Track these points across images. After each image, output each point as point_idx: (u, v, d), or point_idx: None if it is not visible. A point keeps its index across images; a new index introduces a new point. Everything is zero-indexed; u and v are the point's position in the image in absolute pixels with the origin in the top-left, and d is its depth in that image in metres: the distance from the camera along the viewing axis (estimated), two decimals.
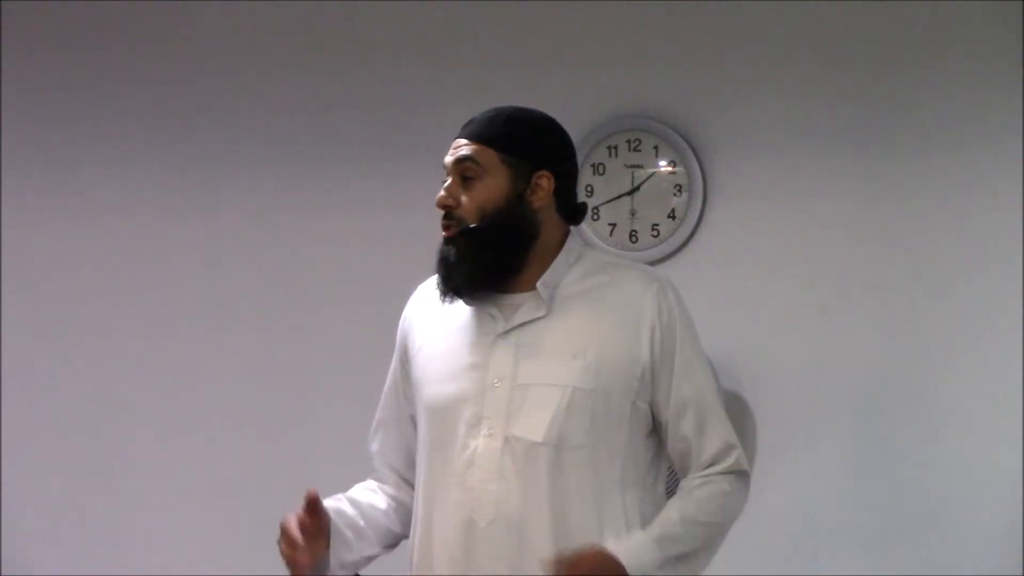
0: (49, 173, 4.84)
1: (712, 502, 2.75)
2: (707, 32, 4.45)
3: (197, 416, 4.70)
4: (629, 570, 2.63)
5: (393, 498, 2.94)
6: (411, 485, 2.91)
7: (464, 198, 2.78)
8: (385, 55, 4.65)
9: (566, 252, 2.83)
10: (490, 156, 2.78)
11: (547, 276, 2.79)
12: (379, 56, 4.65)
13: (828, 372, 4.32)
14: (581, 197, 2.90)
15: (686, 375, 2.77)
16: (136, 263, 4.78)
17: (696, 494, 2.75)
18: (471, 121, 2.82)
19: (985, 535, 4.17)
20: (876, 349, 4.30)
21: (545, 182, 2.79)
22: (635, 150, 4.49)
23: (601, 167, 4.51)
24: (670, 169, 4.47)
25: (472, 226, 2.76)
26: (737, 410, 4.32)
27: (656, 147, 4.48)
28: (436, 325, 2.85)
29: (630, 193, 4.50)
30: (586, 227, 4.44)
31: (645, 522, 2.73)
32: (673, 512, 2.73)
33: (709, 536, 2.75)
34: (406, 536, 2.90)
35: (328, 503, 2.81)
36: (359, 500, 2.90)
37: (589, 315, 2.77)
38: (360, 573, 2.92)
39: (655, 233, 4.48)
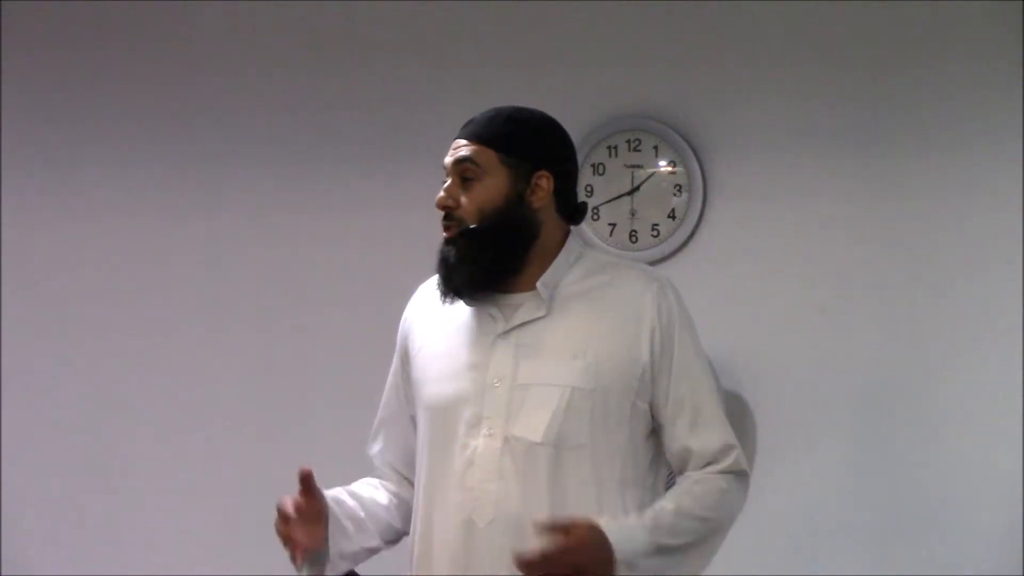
0: (49, 173, 4.84)
1: (709, 497, 2.74)
2: (707, 32, 4.45)
3: (197, 416, 4.70)
4: (617, 553, 2.61)
5: (395, 494, 2.94)
6: (411, 482, 2.91)
7: (464, 199, 2.78)
8: (385, 55, 4.65)
9: (566, 252, 2.83)
10: (489, 157, 2.78)
11: (547, 276, 2.79)
12: (379, 56, 4.65)
13: (828, 372, 4.31)
14: (581, 197, 2.90)
15: (685, 375, 2.77)
16: (136, 263, 4.79)
17: (693, 489, 2.74)
18: (471, 121, 2.82)
19: (985, 535, 4.17)
20: (876, 349, 4.30)
21: (545, 182, 2.79)
22: (635, 150, 4.49)
23: (601, 167, 4.51)
24: (670, 169, 4.47)
25: (472, 227, 2.77)
26: (737, 410, 4.32)
27: (656, 147, 4.48)
28: (436, 325, 2.85)
29: (630, 193, 4.50)
30: (586, 227, 4.44)
31: None
32: (668, 503, 2.72)
33: (703, 532, 2.73)
34: (407, 533, 2.91)
35: (327, 493, 2.81)
36: (359, 493, 2.91)
37: (589, 315, 2.77)
38: (359, 573, 2.92)
39: (655, 233, 4.48)
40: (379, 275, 4.53)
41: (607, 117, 4.49)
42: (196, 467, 4.66)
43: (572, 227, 2.87)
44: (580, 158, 4.10)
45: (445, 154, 2.83)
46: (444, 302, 2.81)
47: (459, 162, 2.79)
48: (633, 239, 4.49)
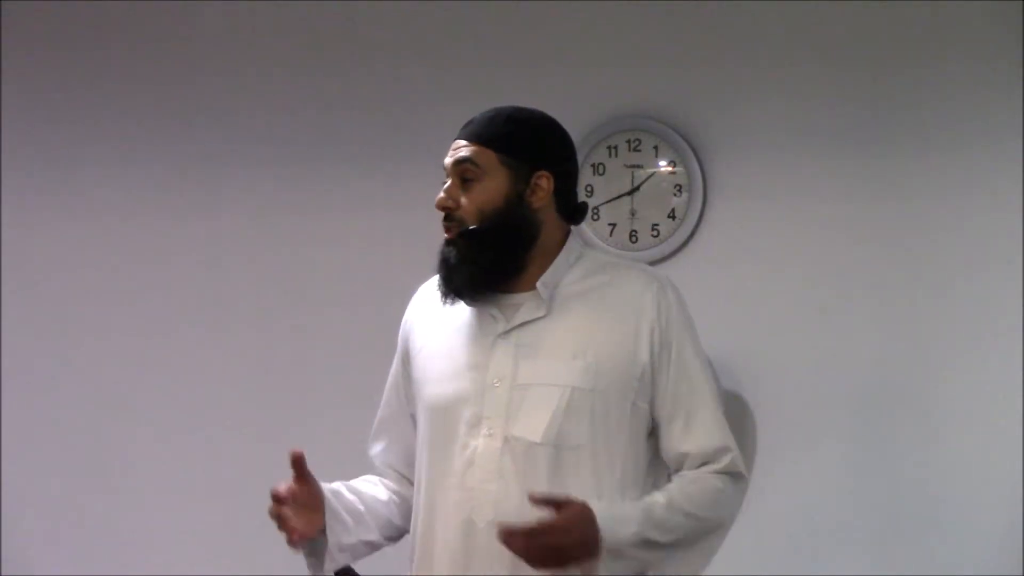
0: (49, 173, 4.84)
1: (702, 495, 2.73)
2: (707, 32, 4.45)
3: (197, 416, 4.70)
4: (603, 539, 2.61)
5: (394, 492, 2.94)
6: (411, 481, 2.91)
7: (463, 199, 2.79)
8: (385, 55, 4.65)
9: (566, 252, 2.83)
10: (489, 157, 2.78)
11: (547, 276, 2.80)
12: (379, 56, 4.65)
13: (828, 372, 4.31)
14: (581, 197, 2.90)
15: (682, 375, 2.77)
16: (136, 263, 4.78)
17: (687, 487, 2.73)
18: (470, 122, 2.83)
19: (985, 535, 4.17)
20: (876, 349, 4.30)
21: (544, 182, 2.79)
22: (635, 150, 4.49)
23: (601, 167, 4.51)
24: (670, 169, 4.47)
25: (472, 227, 2.77)
26: (737, 410, 4.32)
27: (656, 147, 4.48)
28: (437, 325, 2.85)
29: (630, 193, 4.50)
30: (586, 227, 4.44)
31: None
32: (660, 496, 2.71)
33: (693, 530, 2.72)
34: (406, 529, 2.91)
35: (326, 486, 2.82)
36: (358, 488, 2.91)
37: (589, 315, 2.77)
38: (359, 573, 2.92)
39: (655, 233, 4.48)
40: (379, 275, 4.53)
41: (607, 117, 4.49)
42: (196, 467, 4.66)
43: (572, 227, 2.87)
44: (580, 158, 4.09)
45: (445, 154, 2.83)
46: (445, 303, 2.81)
47: (459, 163, 2.79)
48: (633, 239, 4.49)
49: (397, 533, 2.94)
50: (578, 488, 2.68)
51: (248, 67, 4.73)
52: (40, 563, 4.73)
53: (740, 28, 4.41)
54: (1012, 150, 4.20)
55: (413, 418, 2.91)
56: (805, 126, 4.36)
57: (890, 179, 4.32)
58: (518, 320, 2.78)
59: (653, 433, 2.80)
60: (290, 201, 4.71)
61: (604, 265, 2.86)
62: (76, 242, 4.82)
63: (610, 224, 4.50)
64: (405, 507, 2.92)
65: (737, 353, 4.32)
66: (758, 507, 4.30)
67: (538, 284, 2.79)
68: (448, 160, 2.81)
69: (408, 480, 2.93)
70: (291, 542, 2.76)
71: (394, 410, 2.96)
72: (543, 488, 2.68)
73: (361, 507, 2.87)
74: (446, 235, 2.80)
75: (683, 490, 2.72)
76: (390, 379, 2.98)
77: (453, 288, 2.79)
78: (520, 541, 2.57)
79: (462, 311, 2.82)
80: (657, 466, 2.82)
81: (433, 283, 2.86)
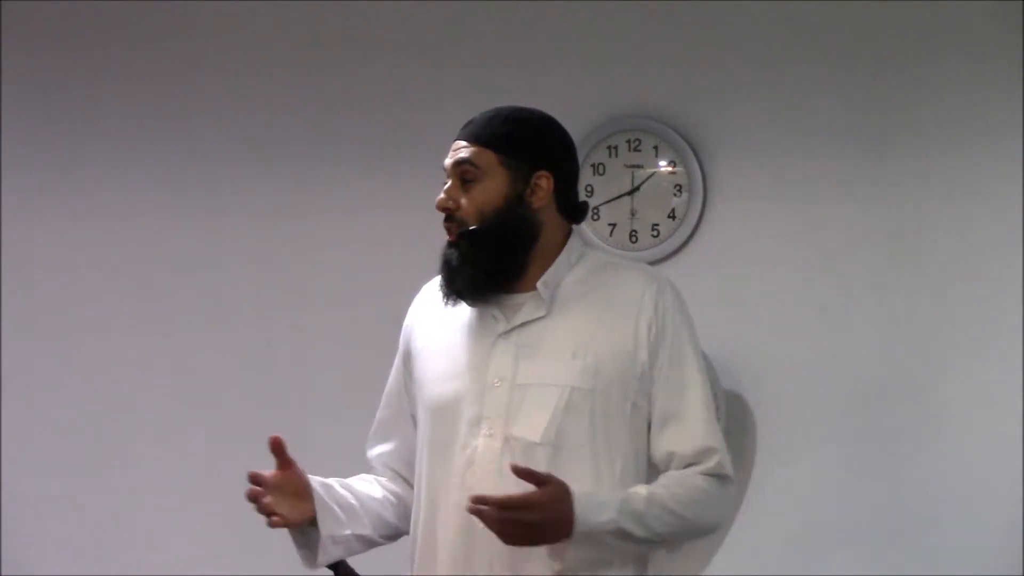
0: (49, 173, 4.84)
1: (685, 494, 2.71)
2: (707, 32, 4.45)
3: (197, 416, 4.70)
4: (577, 524, 2.60)
5: (390, 491, 2.94)
6: (408, 483, 2.92)
7: (464, 200, 2.79)
8: (385, 55, 4.65)
9: (567, 252, 2.83)
10: (488, 158, 2.78)
11: (548, 276, 2.80)
12: (379, 56, 4.65)
13: (828, 372, 4.31)
14: (581, 197, 2.90)
15: (675, 375, 2.76)
16: (136, 263, 4.78)
17: (670, 485, 2.72)
18: (470, 122, 2.83)
19: (985, 535, 4.17)
20: (876, 349, 4.30)
21: (544, 182, 2.79)
22: (635, 150, 4.49)
23: (601, 167, 4.51)
24: (670, 169, 4.47)
25: (472, 228, 2.77)
26: (737, 410, 4.32)
27: (656, 147, 4.48)
28: (439, 325, 2.86)
29: (630, 193, 4.50)
30: (586, 227, 4.44)
31: None
32: (642, 489, 2.70)
33: (674, 528, 2.70)
34: (402, 529, 2.91)
35: (317, 480, 2.82)
36: (352, 484, 2.91)
37: (589, 315, 2.77)
38: (359, 573, 2.92)
39: (655, 233, 4.48)
40: (379, 275, 4.53)
41: (607, 117, 4.49)
42: (196, 467, 4.66)
43: (573, 227, 2.87)
44: (580, 158, 4.08)
45: (445, 154, 2.83)
46: (446, 303, 2.81)
47: (458, 164, 2.79)
48: (633, 239, 4.49)
49: (392, 532, 2.93)
50: (578, 488, 2.68)
51: (248, 67, 4.73)
52: (40, 563, 4.73)
53: (740, 28, 4.41)
54: (1012, 150, 4.20)
55: (413, 418, 2.91)
56: (805, 126, 4.36)
57: (890, 179, 4.32)
58: (519, 320, 2.78)
59: None
60: (290, 201, 4.71)
61: (605, 265, 2.86)
62: (76, 242, 4.82)
63: (610, 224, 4.50)
64: (401, 507, 2.92)
65: (737, 353, 4.32)
66: (758, 507, 4.32)
67: (539, 284, 2.79)
68: (448, 161, 2.82)
69: (405, 481, 2.93)
70: (271, 524, 2.76)
71: (394, 411, 2.96)
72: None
73: (354, 502, 2.86)
74: (448, 237, 2.80)
75: (666, 487, 2.71)
76: (390, 380, 2.97)
77: (455, 289, 2.79)
78: (492, 515, 2.57)
79: (463, 311, 2.82)
80: None
81: (435, 284, 2.86)
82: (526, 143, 2.79)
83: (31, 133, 4.85)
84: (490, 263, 2.76)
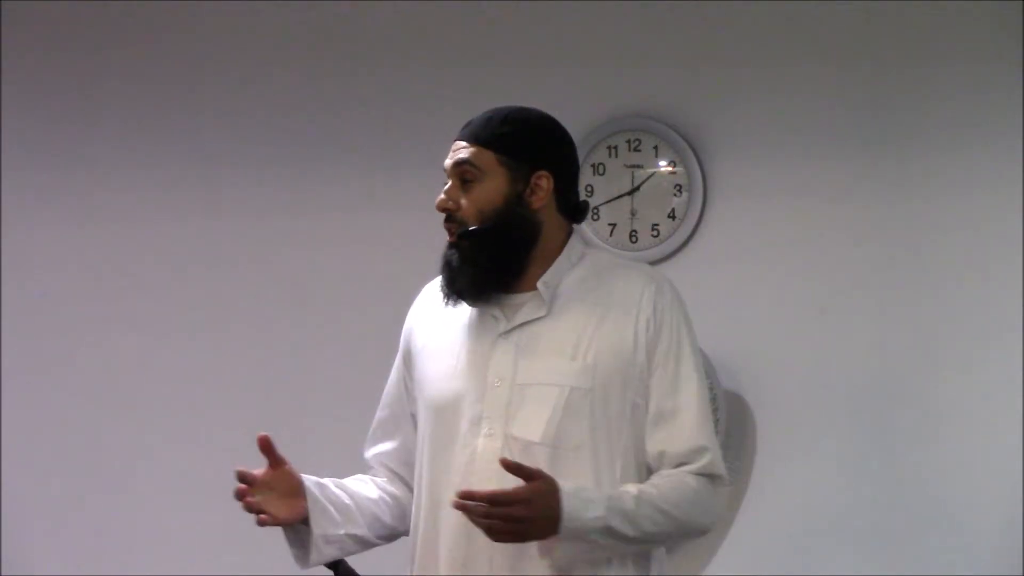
0: (49, 173, 4.84)
1: (675, 494, 2.70)
2: (707, 32, 4.44)
3: (197, 416, 4.70)
4: (564, 521, 2.60)
5: (386, 491, 2.93)
6: (406, 483, 2.92)
7: (464, 201, 2.79)
8: (385, 55, 4.65)
9: (568, 252, 2.83)
10: (488, 158, 2.78)
11: (548, 276, 2.80)
12: (379, 56, 4.65)
13: (828, 372, 4.31)
14: (581, 197, 2.90)
15: (670, 375, 2.76)
16: (136, 263, 4.78)
17: (660, 484, 2.72)
18: (470, 123, 2.83)
19: (985, 535, 4.17)
20: (876, 349, 4.30)
21: (544, 182, 2.80)
22: (635, 150, 4.49)
23: (601, 167, 4.51)
24: (670, 169, 4.47)
25: (472, 228, 2.77)
26: (737, 410, 4.32)
27: (656, 147, 4.48)
28: (439, 325, 2.86)
29: (630, 193, 4.50)
30: (586, 227, 4.43)
31: None
32: (632, 487, 2.69)
33: (663, 527, 2.69)
34: (398, 530, 2.92)
35: (311, 479, 2.83)
36: (346, 484, 2.91)
37: (589, 315, 2.77)
38: (359, 573, 2.92)
39: (655, 233, 4.48)
40: (379, 276, 4.53)
41: (607, 117, 4.49)
42: (196, 467, 4.65)
43: (574, 226, 2.88)
44: (580, 158, 4.08)
45: (445, 154, 2.83)
46: (447, 304, 2.81)
47: (458, 164, 2.80)
48: (633, 239, 4.49)
49: (388, 532, 2.93)
50: (568, 484, 2.67)
51: (248, 67, 4.73)
52: (40, 563, 4.73)
53: (740, 28, 4.41)
54: (1012, 150, 4.20)
55: (413, 418, 2.91)
56: (805, 126, 4.36)
57: (890, 179, 4.32)
58: (519, 320, 2.78)
59: None
60: (291, 201, 4.71)
61: (605, 265, 2.86)
62: (76, 242, 4.82)
63: (610, 224, 4.50)
64: (397, 507, 2.92)
65: (737, 353, 4.32)
66: (758, 507, 4.32)
67: (539, 284, 2.79)
68: (448, 162, 2.82)
69: (403, 481, 2.93)
70: (260, 522, 2.76)
71: (394, 411, 2.96)
72: None
73: (349, 501, 2.86)
74: (448, 238, 2.80)
75: (656, 486, 2.70)
76: (390, 380, 2.98)
77: (456, 290, 2.79)
78: (480, 510, 2.57)
79: (464, 311, 2.83)
80: None
81: (436, 284, 2.86)
82: (526, 143, 2.79)
83: (31, 133, 4.85)
84: (490, 263, 2.77)
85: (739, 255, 4.40)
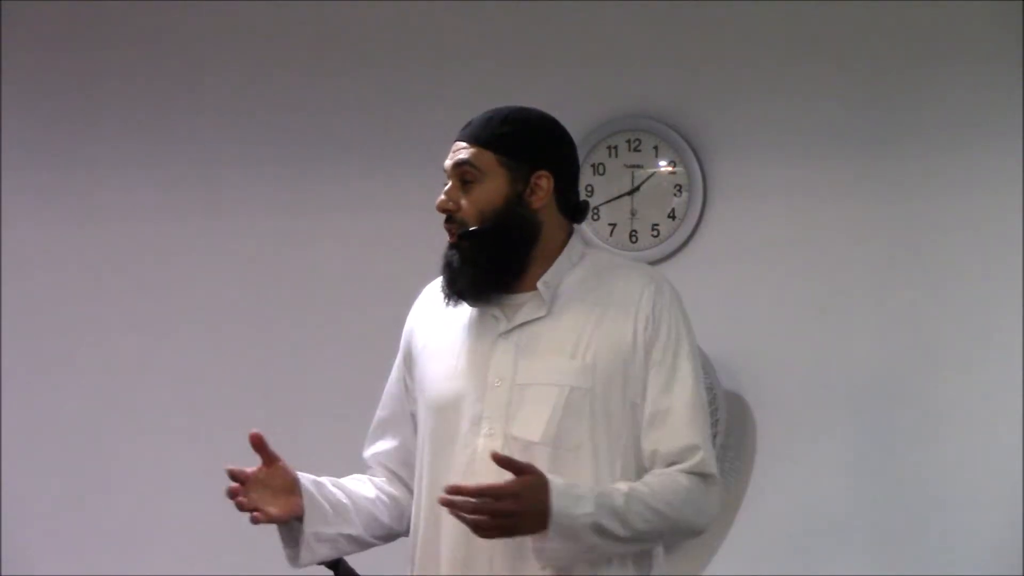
0: (49, 173, 4.84)
1: (667, 493, 2.69)
2: (707, 32, 4.45)
3: (197, 416, 4.70)
4: (553, 517, 2.59)
5: (384, 491, 2.93)
6: (404, 483, 2.91)
7: (464, 201, 2.79)
8: (385, 55, 4.65)
9: (568, 252, 2.83)
10: (488, 159, 2.78)
11: (548, 276, 2.80)
12: (379, 56, 4.65)
13: (828, 372, 4.31)
14: (581, 196, 2.90)
15: (665, 374, 2.75)
16: (136, 263, 4.78)
17: (651, 481, 2.71)
18: (469, 123, 2.83)
19: (985, 535, 4.17)
20: (876, 349, 4.30)
21: (544, 182, 2.79)
22: (635, 150, 4.49)
23: (601, 167, 4.51)
24: (670, 169, 4.47)
25: (472, 229, 2.77)
26: (737, 410, 4.32)
27: (656, 147, 4.48)
28: (440, 325, 2.86)
29: (630, 193, 4.50)
30: (586, 227, 4.43)
31: None
32: (623, 485, 2.68)
33: (654, 526, 2.69)
34: (395, 530, 2.91)
35: (308, 477, 2.82)
36: (344, 483, 2.90)
37: (589, 315, 2.78)
38: (359, 573, 2.91)
39: (655, 233, 4.48)
40: (379, 276, 4.53)
41: (607, 117, 4.49)
42: (196, 467, 4.65)
43: (575, 226, 2.88)
44: (580, 158, 4.08)
45: (445, 154, 2.83)
46: (448, 304, 2.81)
47: (458, 165, 2.80)
48: (633, 239, 4.49)
49: (385, 532, 2.92)
50: (559, 480, 2.67)
51: (248, 67, 4.73)
52: (40, 563, 4.73)
53: (740, 28, 4.41)
54: (1012, 150, 4.20)
55: (413, 418, 2.91)
56: (805, 126, 4.36)
57: (890, 179, 4.32)
58: (519, 320, 2.78)
59: None
60: (290, 201, 4.71)
61: (606, 265, 2.86)
62: (76, 242, 4.82)
63: (610, 224, 4.50)
64: (395, 507, 2.91)
65: (737, 353, 4.32)
66: (758, 507, 4.32)
67: (539, 284, 2.79)
68: (448, 162, 2.82)
69: (402, 481, 2.92)
70: (253, 520, 2.76)
71: (394, 411, 2.96)
72: None
73: (346, 501, 2.86)
74: (448, 238, 2.80)
75: (648, 485, 2.69)
76: (390, 380, 2.97)
77: (456, 290, 2.79)
78: (467, 506, 2.56)
79: (464, 311, 2.83)
80: None
81: (436, 285, 2.86)
82: (525, 143, 2.79)
83: (31, 133, 4.85)
84: (491, 263, 2.77)
85: (739, 255, 4.40)
